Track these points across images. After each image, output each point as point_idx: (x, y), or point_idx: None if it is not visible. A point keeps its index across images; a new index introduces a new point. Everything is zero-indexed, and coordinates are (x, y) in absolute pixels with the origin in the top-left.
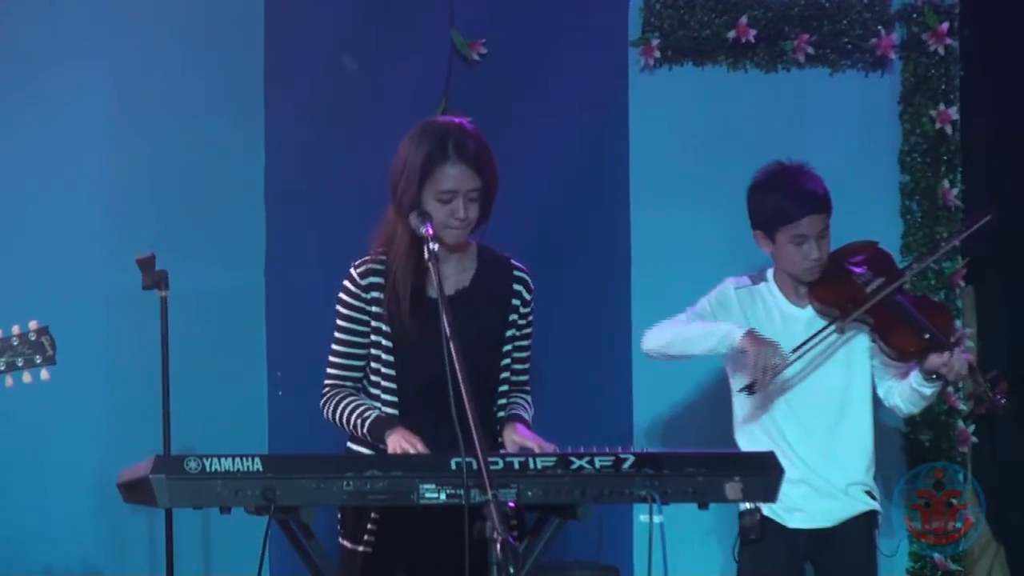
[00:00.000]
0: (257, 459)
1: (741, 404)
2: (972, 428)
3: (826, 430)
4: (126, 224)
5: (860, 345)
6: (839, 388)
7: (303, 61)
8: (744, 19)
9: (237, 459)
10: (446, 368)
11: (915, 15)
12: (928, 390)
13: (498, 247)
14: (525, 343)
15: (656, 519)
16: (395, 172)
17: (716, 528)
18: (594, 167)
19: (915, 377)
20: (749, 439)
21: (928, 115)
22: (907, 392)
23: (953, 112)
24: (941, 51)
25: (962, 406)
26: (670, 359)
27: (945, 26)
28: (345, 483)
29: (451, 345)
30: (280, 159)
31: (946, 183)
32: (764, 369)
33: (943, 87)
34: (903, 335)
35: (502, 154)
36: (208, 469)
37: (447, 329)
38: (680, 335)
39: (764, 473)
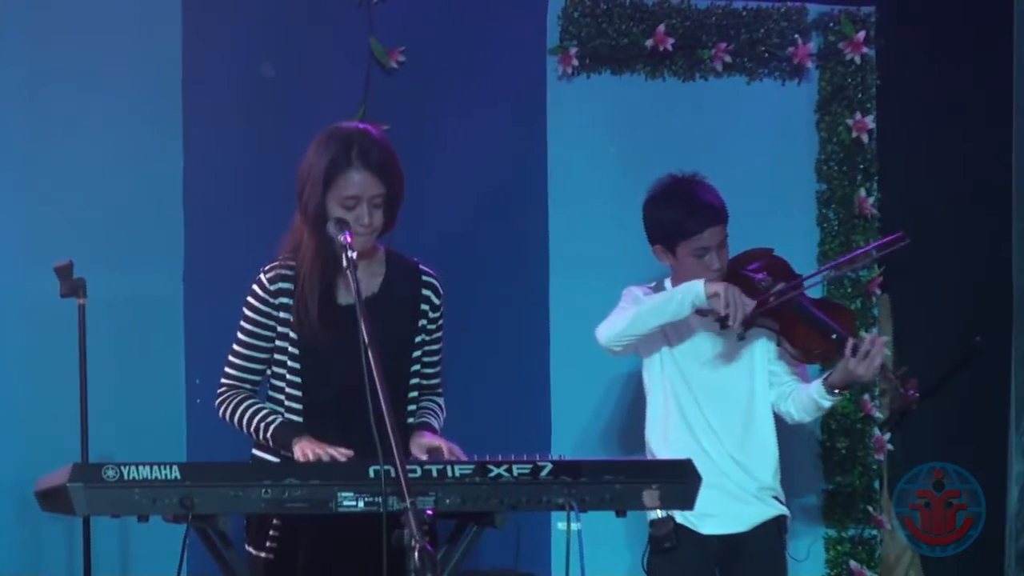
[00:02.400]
0: (175, 467)
1: (655, 405)
2: (888, 436)
3: (735, 436)
4: (43, 232)
5: (762, 352)
6: (745, 395)
7: (221, 67)
8: (662, 28)
9: (155, 467)
10: (357, 376)
11: (832, 24)
12: (827, 403)
13: (415, 252)
14: (435, 347)
15: (574, 527)
16: (300, 178)
17: (636, 535)
18: (512, 174)
19: (817, 389)
20: (663, 441)
21: (845, 124)
22: (804, 401)
23: (869, 121)
24: (857, 60)
25: (878, 414)
26: (629, 343)
27: (862, 35)
28: (263, 491)
29: (369, 352)
30: (199, 166)
31: (862, 192)
32: (736, 303)
33: (859, 96)
34: (809, 336)
35: (420, 160)
36: (126, 477)
37: (365, 337)
38: (639, 312)
39: (682, 480)
